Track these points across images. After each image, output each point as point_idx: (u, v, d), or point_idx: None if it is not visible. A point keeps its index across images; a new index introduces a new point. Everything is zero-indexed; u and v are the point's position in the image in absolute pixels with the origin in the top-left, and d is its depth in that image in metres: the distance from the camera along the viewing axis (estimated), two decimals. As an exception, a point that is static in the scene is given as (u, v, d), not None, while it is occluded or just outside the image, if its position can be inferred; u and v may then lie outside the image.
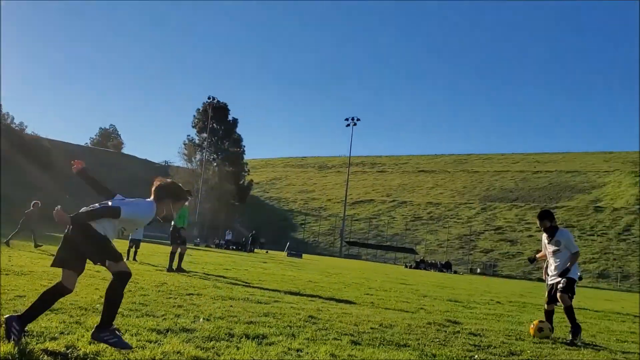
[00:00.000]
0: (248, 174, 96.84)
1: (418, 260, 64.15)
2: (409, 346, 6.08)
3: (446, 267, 58.78)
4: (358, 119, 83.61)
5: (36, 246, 16.01)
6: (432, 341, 6.59)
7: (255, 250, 50.05)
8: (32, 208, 17.39)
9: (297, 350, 5.15)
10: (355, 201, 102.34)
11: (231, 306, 7.80)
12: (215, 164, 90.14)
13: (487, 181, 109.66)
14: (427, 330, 7.50)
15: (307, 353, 5.06)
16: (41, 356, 3.96)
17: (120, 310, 6.35)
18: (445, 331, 7.58)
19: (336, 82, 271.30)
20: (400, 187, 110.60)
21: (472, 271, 67.16)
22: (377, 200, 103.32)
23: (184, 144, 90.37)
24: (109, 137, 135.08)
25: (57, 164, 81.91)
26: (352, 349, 5.51)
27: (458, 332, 7.66)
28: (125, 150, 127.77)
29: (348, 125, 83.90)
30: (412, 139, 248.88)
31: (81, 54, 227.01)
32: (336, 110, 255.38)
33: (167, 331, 5.45)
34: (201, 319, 6.34)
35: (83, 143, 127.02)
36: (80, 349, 4.31)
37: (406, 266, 59.45)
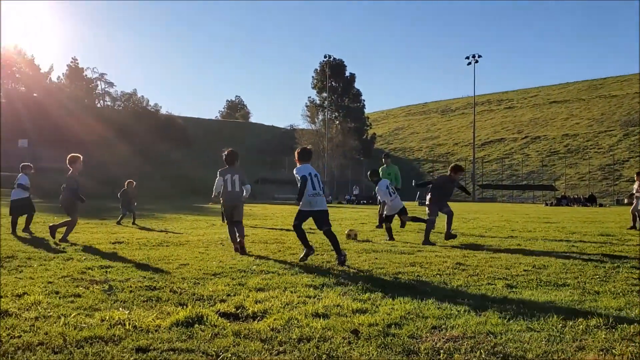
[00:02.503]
0: (370, 128, 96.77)
1: (559, 196, 60.97)
2: (568, 285, 5.83)
3: (590, 200, 55.32)
4: (480, 56, 79.79)
5: (133, 223, 15.24)
6: (591, 278, 6.27)
7: (387, 202, 50.17)
8: (125, 187, 16.29)
9: (453, 298, 5.12)
10: (485, 142, 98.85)
11: (376, 258, 7.93)
12: (337, 121, 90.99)
13: (627, 104, 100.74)
14: (584, 267, 7.14)
15: (463, 300, 5.01)
16: (216, 319, 4.27)
17: (275, 269, 6.71)
18: (604, 267, 7.18)
19: (452, 19, 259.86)
20: (531, 122, 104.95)
21: (618, 202, 62.68)
22: (508, 139, 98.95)
23: (306, 106, 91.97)
24: (236, 109, 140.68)
25: (193, 139, 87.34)
26: (509, 292, 5.39)
27: (618, 266, 7.23)
28: (252, 119, 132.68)
29: (469, 63, 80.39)
30: (541, 70, 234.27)
31: (200, 36, 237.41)
32: (454, 50, 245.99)
33: (323, 286, 5.66)
34: (351, 272, 6.51)
35: (213, 117, 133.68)
36: (248, 309, 4.60)
37: (546, 204, 56.69)
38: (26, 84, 76.59)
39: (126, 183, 16.38)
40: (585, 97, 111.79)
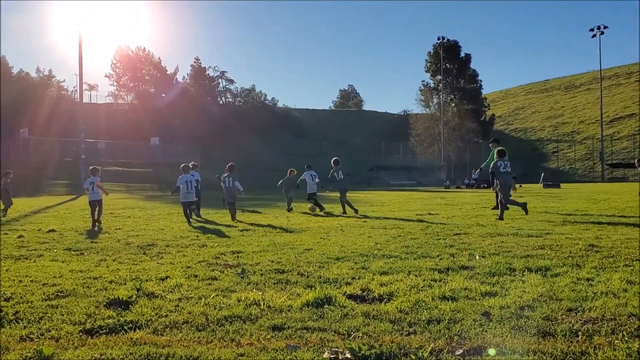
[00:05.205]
0: (488, 109, 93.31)
1: (703, 173, 55.39)
2: None
3: None
4: (605, 27, 74.26)
5: (289, 210, 16.08)
6: None
7: (508, 185, 48.26)
8: (288, 176, 17.28)
9: (587, 280, 4.88)
10: (613, 118, 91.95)
11: (502, 242, 7.70)
12: (453, 104, 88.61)
13: None
14: None
15: (600, 282, 4.76)
16: (344, 301, 4.39)
17: (396, 254, 6.74)
18: None
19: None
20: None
21: None
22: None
23: (420, 90, 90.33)
24: (349, 98, 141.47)
25: (307, 129, 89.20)
26: (651, 275, 5.04)
27: None
28: (365, 107, 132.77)
29: (594, 35, 75.07)
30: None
31: (307, 30, 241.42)
32: (577, 22, 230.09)
33: (447, 270, 5.61)
34: (477, 257, 6.38)
35: (327, 107, 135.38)
36: (374, 291, 4.68)
37: (688, 182, 51.72)
38: (155, 85, 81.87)
39: (288, 172, 17.67)
40: None
